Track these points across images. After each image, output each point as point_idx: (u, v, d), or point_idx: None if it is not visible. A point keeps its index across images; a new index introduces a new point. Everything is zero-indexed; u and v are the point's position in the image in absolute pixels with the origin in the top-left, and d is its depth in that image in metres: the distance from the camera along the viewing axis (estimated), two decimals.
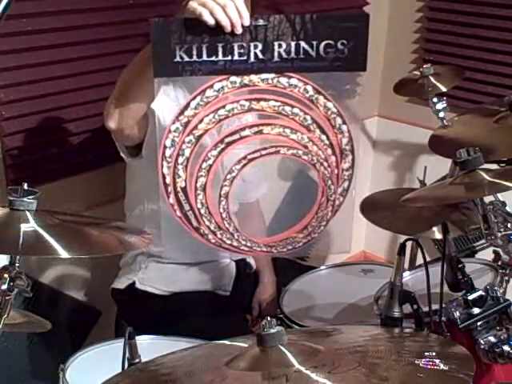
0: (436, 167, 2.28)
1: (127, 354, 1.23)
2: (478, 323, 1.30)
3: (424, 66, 2.22)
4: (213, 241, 1.39)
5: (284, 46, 1.27)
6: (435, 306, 1.31)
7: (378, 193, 1.89)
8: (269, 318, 0.98)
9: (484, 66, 2.66)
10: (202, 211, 1.36)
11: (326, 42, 1.28)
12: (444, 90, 2.19)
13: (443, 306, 1.33)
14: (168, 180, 1.31)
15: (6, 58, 1.77)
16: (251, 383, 0.93)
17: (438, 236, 1.60)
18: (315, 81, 1.32)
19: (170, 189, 1.32)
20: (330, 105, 1.34)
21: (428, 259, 1.35)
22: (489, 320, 1.31)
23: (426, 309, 1.31)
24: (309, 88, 1.32)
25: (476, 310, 1.31)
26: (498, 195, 1.55)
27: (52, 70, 1.89)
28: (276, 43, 1.26)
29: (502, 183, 1.28)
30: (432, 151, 1.90)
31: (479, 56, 2.67)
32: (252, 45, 1.26)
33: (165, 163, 1.30)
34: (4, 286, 1.13)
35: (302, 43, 1.27)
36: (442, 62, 2.60)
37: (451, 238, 1.35)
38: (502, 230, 1.45)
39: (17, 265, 1.15)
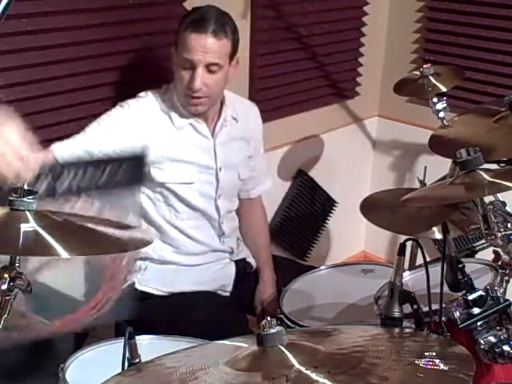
0: (436, 167, 2.28)
1: (127, 354, 1.23)
2: (478, 323, 1.30)
3: (424, 66, 2.22)
4: None
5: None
6: (435, 306, 1.31)
7: (378, 193, 1.88)
8: (269, 318, 0.99)
9: (484, 66, 2.66)
10: None
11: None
12: (444, 90, 2.19)
13: (443, 305, 1.32)
14: None
15: (6, 57, 1.77)
16: (251, 383, 0.93)
17: (438, 236, 1.60)
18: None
19: None
20: None
21: (428, 259, 1.35)
22: (489, 320, 1.31)
23: (426, 309, 1.31)
24: None
25: (476, 310, 1.31)
26: (498, 195, 1.55)
27: (52, 69, 1.89)
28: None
29: (502, 183, 1.28)
30: (432, 151, 1.90)
31: (479, 56, 2.67)
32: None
33: None
34: (4, 286, 1.13)
35: None
36: (442, 62, 2.60)
37: (451, 237, 1.35)
38: (502, 230, 1.45)
39: (17, 265, 1.15)
